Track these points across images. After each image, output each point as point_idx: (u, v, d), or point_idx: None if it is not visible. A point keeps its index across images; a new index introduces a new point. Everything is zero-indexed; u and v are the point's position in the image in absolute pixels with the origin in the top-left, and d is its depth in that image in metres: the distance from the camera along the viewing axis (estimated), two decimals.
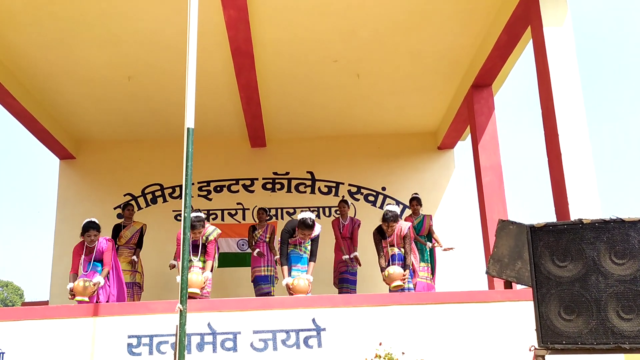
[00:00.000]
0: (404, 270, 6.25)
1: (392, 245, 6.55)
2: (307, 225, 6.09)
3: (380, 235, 6.65)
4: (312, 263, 6.26)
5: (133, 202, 9.90)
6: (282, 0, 6.53)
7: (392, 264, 6.44)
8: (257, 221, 8.61)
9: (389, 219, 6.47)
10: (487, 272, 5.20)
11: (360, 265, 8.01)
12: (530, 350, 4.37)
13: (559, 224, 3.28)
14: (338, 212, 8.54)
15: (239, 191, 10.24)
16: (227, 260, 9.36)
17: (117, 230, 8.13)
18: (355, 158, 10.38)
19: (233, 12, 6.35)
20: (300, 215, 6.20)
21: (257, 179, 10.35)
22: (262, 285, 8.08)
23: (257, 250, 8.17)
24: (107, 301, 6.18)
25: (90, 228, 6.31)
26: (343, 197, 9.96)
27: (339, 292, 7.87)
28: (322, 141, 10.45)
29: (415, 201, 8.04)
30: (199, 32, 4.28)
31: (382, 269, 6.47)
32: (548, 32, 5.90)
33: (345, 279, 7.94)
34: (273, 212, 10.10)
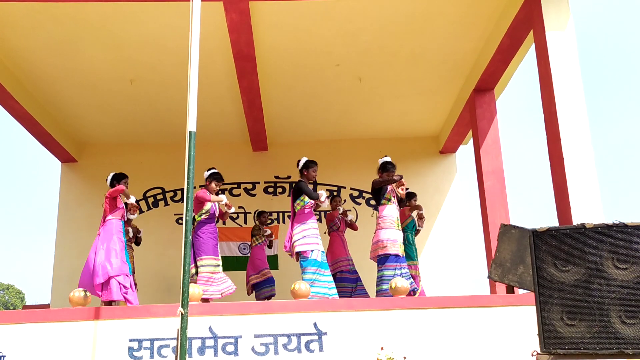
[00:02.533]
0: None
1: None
2: (314, 162, 6.56)
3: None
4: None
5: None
6: (284, 4, 6.54)
7: (388, 265, 6.44)
8: (260, 224, 8.62)
9: (393, 165, 6.74)
10: (489, 277, 5.19)
11: (356, 229, 8.19)
12: (532, 355, 4.36)
13: (562, 228, 3.27)
14: (331, 206, 8.37)
15: (241, 195, 10.24)
16: (228, 263, 9.34)
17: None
18: (357, 162, 10.37)
19: (235, 16, 6.36)
20: (301, 162, 6.56)
21: (258, 183, 10.35)
22: (272, 287, 8.18)
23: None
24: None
25: (126, 175, 6.69)
26: (333, 192, 9.94)
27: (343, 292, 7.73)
28: (323, 145, 10.45)
29: (415, 197, 7.97)
30: (201, 36, 4.29)
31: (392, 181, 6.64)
32: (550, 36, 5.90)
33: (345, 278, 7.81)
34: (275, 215, 10.10)
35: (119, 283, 6.06)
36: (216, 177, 6.78)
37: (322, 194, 6.41)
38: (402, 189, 6.67)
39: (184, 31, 5.55)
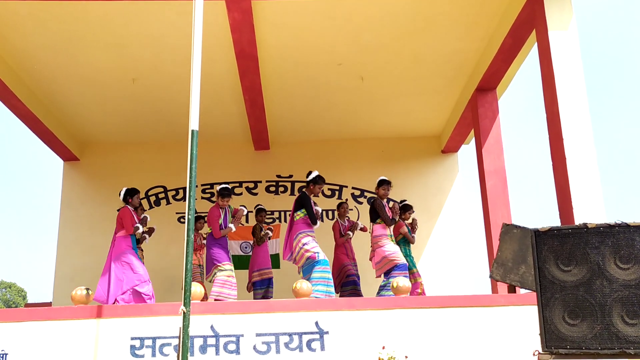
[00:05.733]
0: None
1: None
2: (323, 179, 6.77)
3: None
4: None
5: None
6: (286, 3, 6.54)
7: (395, 272, 6.50)
8: (259, 222, 8.55)
9: (389, 182, 7.10)
10: (490, 276, 5.19)
11: (366, 230, 8.06)
12: (534, 354, 4.36)
13: (564, 228, 3.27)
14: (338, 213, 8.38)
15: (243, 194, 10.25)
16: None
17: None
18: (358, 161, 10.38)
19: (237, 14, 6.37)
20: (312, 175, 6.73)
21: (260, 182, 10.36)
22: (267, 289, 8.12)
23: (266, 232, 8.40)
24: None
25: (137, 190, 6.96)
26: (341, 199, 9.96)
27: (346, 295, 7.72)
28: (325, 144, 10.45)
29: (411, 210, 8.11)
30: (203, 35, 4.29)
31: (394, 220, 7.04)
32: (553, 35, 5.90)
33: (354, 282, 7.80)
34: (277, 214, 10.10)
35: (141, 293, 6.33)
36: (222, 192, 7.01)
37: (318, 223, 6.70)
38: (396, 213, 7.26)
39: (186, 30, 5.56)
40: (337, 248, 7.97)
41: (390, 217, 7.00)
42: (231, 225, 6.94)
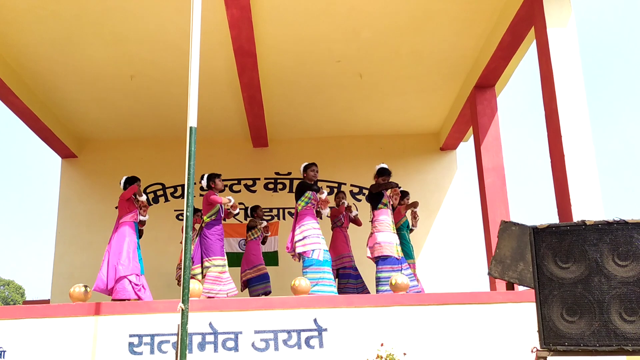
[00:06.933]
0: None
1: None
2: (313, 163, 6.78)
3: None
4: None
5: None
6: (285, 0, 6.53)
7: (383, 267, 6.49)
8: (257, 218, 8.54)
9: (389, 172, 6.94)
10: (489, 274, 5.18)
11: (361, 224, 8.02)
12: (532, 351, 4.36)
13: (562, 225, 3.27)
14: (335, 202, 8.33)
15: (241, 191, 10.24)
16: (228, 260, 9.23)
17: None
18: (357, 158, 10.37)
19: (236, 11, 6.35)
20: (302, 167, 6.79)
21: (259, 179, 10.35)
22: (267, 284, 8.09)
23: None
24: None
25: (138, 178, 6.95)
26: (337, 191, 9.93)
27: (339, 288, 7.67)
28: (324, 141, 10.45)
29: (408, 196, 7.99)
30: (201, 31, 4.28)
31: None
32: (552, 33, 5.90)
33: (349, 275, 7.76)
34: (275, 212, 10.10)
35: (131, 282, 6.25)
36: (216, 175, 7.08)
37: (323, 191, 6.65)
38: (396, 198, 6.96)
39: (184, 27, 5.55)
40: (335, 238, 7.88)
41: (391, 203, 6.90)
42: (230, 197, 7.05)
